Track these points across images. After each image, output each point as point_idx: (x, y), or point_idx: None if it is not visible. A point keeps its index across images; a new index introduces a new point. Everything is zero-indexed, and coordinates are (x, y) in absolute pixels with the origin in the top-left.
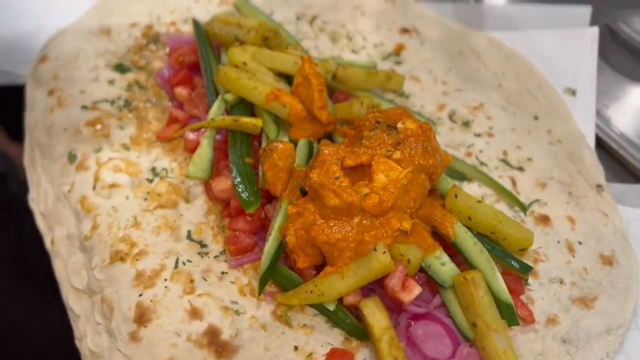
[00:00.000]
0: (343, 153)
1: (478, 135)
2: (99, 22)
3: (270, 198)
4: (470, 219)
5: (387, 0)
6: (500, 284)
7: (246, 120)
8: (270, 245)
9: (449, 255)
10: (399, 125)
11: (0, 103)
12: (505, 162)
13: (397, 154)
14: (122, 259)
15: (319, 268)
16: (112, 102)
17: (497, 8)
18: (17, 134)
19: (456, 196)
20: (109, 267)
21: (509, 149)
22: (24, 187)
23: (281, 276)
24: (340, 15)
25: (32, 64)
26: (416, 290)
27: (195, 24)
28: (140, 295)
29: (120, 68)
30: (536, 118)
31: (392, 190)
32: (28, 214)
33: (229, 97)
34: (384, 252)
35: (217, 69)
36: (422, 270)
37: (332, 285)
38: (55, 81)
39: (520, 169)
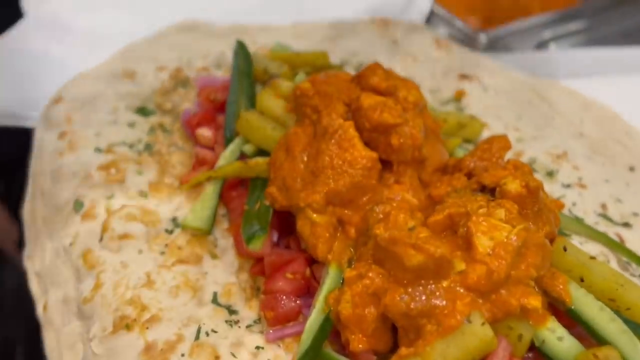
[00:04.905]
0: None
1: (567, 186)
2: (123, 66)
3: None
4: (582, 280)
5: (439, 47)
6: None
7: (259, 160)
8: (313, 320)
9: (563, 326)
10: (497, 189)
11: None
12: (605, 217)
13: (500, 213)
14: (128, 327)
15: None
16: (131, 146)
17: (563, 55)
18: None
19: (565, 249)
20: (110, 338)
21: (608, 202)
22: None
23: None
24: (391, 63)
25: (45, 106)
26: None
27: (241, 45)
28: None
29: (143, 111)
30: (632, 169)
31: (502, 254)
32: None
33: (248, 148)
34: (483, 324)
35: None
36: (531, 347)
37: None
38: (68, 123)
39: (626, 224)
